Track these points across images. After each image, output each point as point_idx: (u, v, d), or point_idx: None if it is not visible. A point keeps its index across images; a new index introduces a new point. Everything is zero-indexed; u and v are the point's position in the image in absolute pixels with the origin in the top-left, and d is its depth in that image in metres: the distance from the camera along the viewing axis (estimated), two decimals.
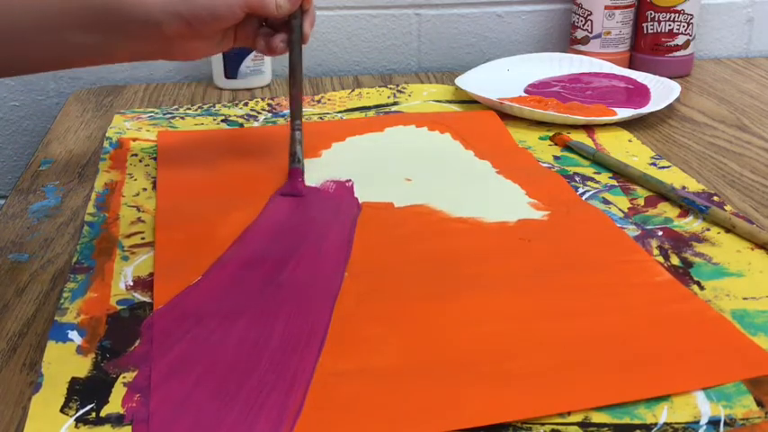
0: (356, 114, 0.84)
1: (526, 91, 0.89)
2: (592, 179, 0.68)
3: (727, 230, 0.58)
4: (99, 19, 0.54)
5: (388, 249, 0.56)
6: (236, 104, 0.87)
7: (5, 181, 1.01)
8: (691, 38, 0.97)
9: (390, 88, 0.91)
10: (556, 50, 1.04)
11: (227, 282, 0.52)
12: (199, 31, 0.57)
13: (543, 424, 0.39)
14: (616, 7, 0.95)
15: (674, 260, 0.55)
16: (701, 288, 0.51)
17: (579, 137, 0.76)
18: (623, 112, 0.80)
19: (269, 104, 0.87)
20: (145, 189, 0.66)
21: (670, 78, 0.89)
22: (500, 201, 0.63)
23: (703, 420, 0.40)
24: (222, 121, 0.82)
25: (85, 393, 0.41)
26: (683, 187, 0.65)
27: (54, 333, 0.46)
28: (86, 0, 0.54)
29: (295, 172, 0.65)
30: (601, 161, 0.70)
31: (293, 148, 0.66)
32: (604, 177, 0.68)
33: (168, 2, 0.55)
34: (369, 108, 0.86)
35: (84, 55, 0.57)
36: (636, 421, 0.40)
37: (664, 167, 0.70)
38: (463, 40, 1.04)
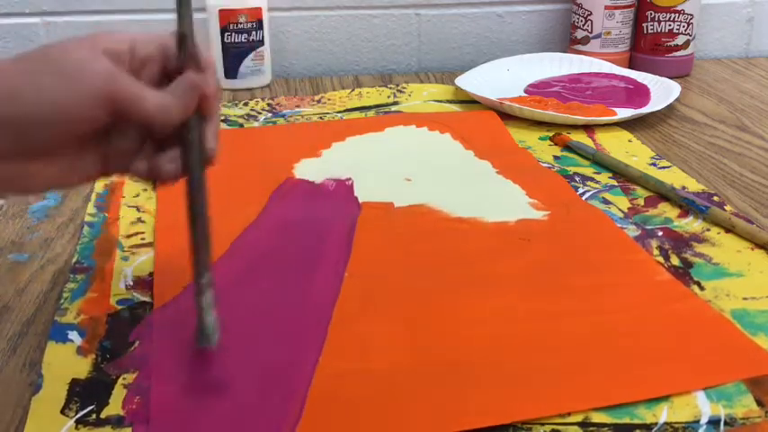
0: (356, 114, 0.84)
1: (526, 91, 0.89)
2: (592, 179, 0.68)
3: (727, 230, 0.58)
4: None
5: (387, 249, 0.56)
6: (236, 104, 0.87)
7: None
8: (691, 38, 0.97)
9: (390, 88, 0.91)
10: (556, 50, 1.04)
11: (227, 282, 0.51)
12: (34, 144, 0.38)
13: (543, 424, 0.39)
14: (616, 7, 0.95)
15: (674, 260, 0.55)
16: (701, 288, 0.51)
17: (579, 137, 0.76)
18: (623, 112, 0.80)
19: (269, 104, 0.87)
20: (145, 190, 0.66)
21: (670, 78, 0.89)
22: (500, 201, 0.63)
23: (703, 420, 0.40)
24: (222, 121, 0.82)
25: (86, 395, 0.41)
26: (683, 187, 0.65)
27: (54, 333, 0.46)
28: None
29: (203, 354, 0.43)
30: (601, 161, 0.70)
31: (202, 321, 0.42)
32: (604, 177, 0.68)
33: None
34: (369, 108, 0.86)
35: None
36: (636, 421, 0.40)
37: (664, 167, 0.70)
38: (463, 40, 1.04)
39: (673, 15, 0.96)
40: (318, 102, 0.87)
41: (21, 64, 0.38)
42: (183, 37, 0.42)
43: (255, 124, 0.81)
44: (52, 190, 0.42)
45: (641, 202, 0.64)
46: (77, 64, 0.38)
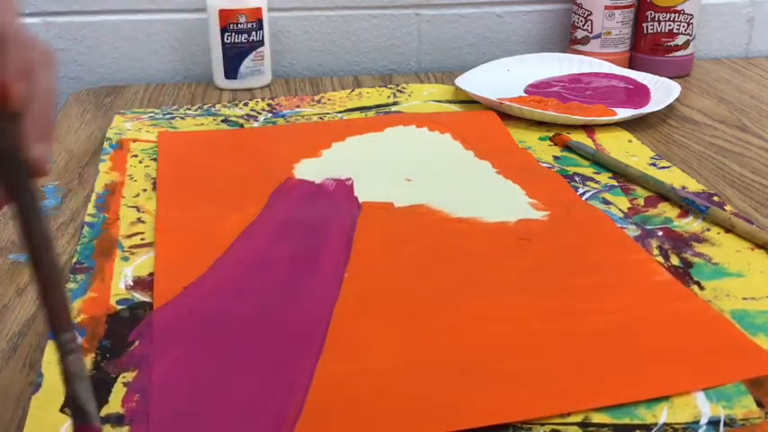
0: (356, 114, 0.84)
1: (526, 91, 0.89)
2: (592, 179, 0.68)
3: (727, 230, 0.58)
4: None
5: (387, 249, 0.56)
6: (236, 104, 0.86)
7: None
8: (691, 38, 0.97)
9: (390, 88, 0.91)
10: (556, 50, 1.04)
11: (227, 282, 0.52)
12: None
13: (543, 424, 0.39)
14: (616, 7, 0.95)
15: (674, 260, 0.55)
16: (701, 288, 0.51)
17: (579, 137, 0.76)
18: (623, 113, 0.80)
19: (269, 104, 0.87)
20: (145, 190, 0.66)
21: (670, 78, 0.89)
22: (500, 201, 0.63)
23: (703, 420, 0.40)
24: (222, 121, 0.82)
25: None
26: (683, 187, 0.65)
27: None
28: None
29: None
30: (601, 161, 0.70)
31: (73, 390, 0.32)
32: (604, 177, 0.68)
33: None
34: (369, 108, 0.86)
35: None
36: (636, 421, 0.40)
37: (664, 167, 0.70)
38: (463, 40, 1.04)
39: (673, 15, 0.96)
40: (318, 102, 0.87)
41: None
42: None
43: (255, 124, 0.81)
44: None
45: (641, 202, 0.64)
46: None
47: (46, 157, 0.32)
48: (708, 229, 0.59)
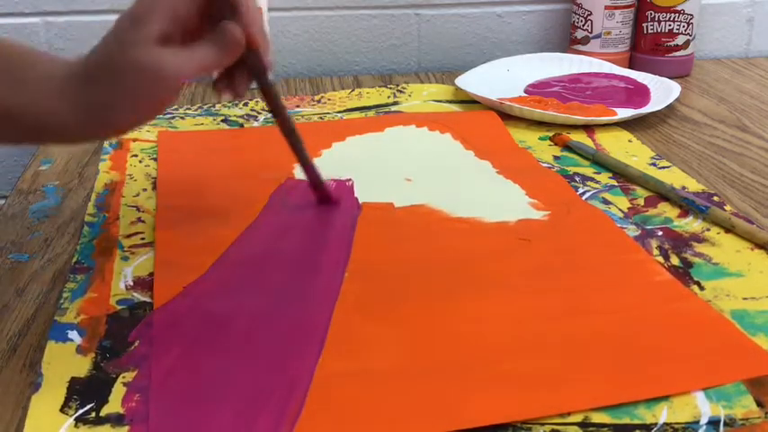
0: (356, 114, 0.84)
1: (526, 91, 0.89)
2: (592, 179, 0.68)
3: (727, 230, 0.58)
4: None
5: (388, 249, 0.56)
6: (236, 104, 0.86)
7: (5, 181, 1.01)
8: (691, 38, 0.97)
9: (390, 88, 0.91)
10: (556, 50, 1.04)
11: (227, 282, 0.52)
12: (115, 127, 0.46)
13: (543, 424, 0.39)
14: (616, 7, 0.95)
15: (674, 260, 0.55)
16: (701, 288, 0.51)
17: (579, 137, 0.76)
18: (623, 112, 0.80)
19: None
20: (145, 189, 0.66)
21: (670, 78, 0.89)
22: (500, 201, 0.63)
23: (703, 420, 0.40)
24: (222, 121, 0.82)
25: (85, 393, 0.41)
26: (683, 187, 0.65)
27: (54, 333, 0.46)
28: None
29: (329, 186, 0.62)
30: (601, 161, 0.70)
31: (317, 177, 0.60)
32: (604, 177, 0.68)
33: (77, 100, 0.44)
34: (369, 108, 0.86)
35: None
36: (636, 421, 0.40)
37: (664, 167, 0.70)
38: (463, 40, 1.04)
39: (673, 15, 0.96)
40: (318, 102, 0.87)
41: (102, 63, 0.45)
42: None
43: (255, 124, 0.81)
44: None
45: (641, 202, 0.64)
46: (140, 74, 0.44)
47: (270, 61, 0.52)
48: (708, 229, 0.59)
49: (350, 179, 0.67)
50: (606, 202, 0.63)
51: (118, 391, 0.42)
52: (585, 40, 0.98)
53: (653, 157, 0.72)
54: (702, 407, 0.41)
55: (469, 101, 0.87)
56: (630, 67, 0.98)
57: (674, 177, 0.67)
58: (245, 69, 0.51)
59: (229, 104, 0.86)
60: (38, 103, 0.43)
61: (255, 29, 0.49)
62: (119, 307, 0.49)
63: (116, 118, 0.44)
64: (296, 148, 0.58)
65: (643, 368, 0.43)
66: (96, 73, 0.44)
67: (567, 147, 0.74)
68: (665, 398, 0.41)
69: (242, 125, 0.81)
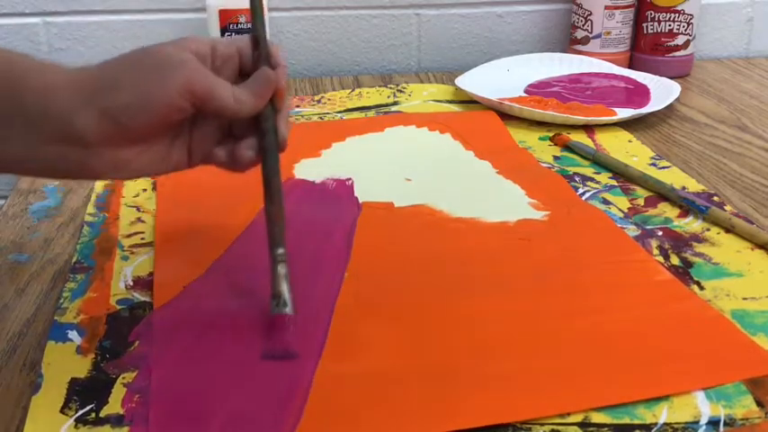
0: (356, 114, 0.84)
1: (526, 91, 0.89)
2: (592, 179, 0.68)
3: (727, 230, 0.58)
4: None
5: (387, 249, 0.56)
6: None
7: (5, 181, 1.01)
8: (691, 38, 0.97)
9: (390, 88, 0.91)
10: (556, 50, 1.04)
11: (227, 282, 0.52)
12: (128, 130, 0.41)
13: (543, 424, 0.39)
14: (616, 7, 0.95)
15: (674, 260, 0.55)
16: (701, 288, 0.51)
17: (579, 137, 0.76)
18: (623, 112, 0.80)
19: None
20: (145, 189, 0.66)
21: (670, 78, 0.89)
22: (500, 201, 0.63)
23: (703, 420, 0.40)
24: None
25: (85, 394, 0.41)
26: (683, 187, 0.65)
27: (54, 333, 0.46)
28: None
29: (281, 320, 0.46)
30: (601, 161, 0.70)
31: (277, 288, 0.46)
32: (604, 177, 0.68)
33: (81, 88, 0.41)
34: (369, 108, 0.86)
35: None
36: (636, 421, 0.40)
37: (664, 167, 0.70)
38: (463, 40, 1.04)
39: (673, 15, 0.96)
40: (318, 102, 0.87)
41: (123, 59, 0.43)
42: (258, 38, 0.48)
43: None
44: (143, 176, 0.46)
45: (641, 202, 0.64)
46: (167, 59, 0.43)
47: (287, 137, 0.48)
48: (708, 229, 0.59)
49: (350, 179, 0.67)
50: (606, 202, 0.63)
51: (118, 391, 0.42)
52: (585, 40, 0.98)
53: (653, 157, 0.72)
54: (702, 407, 0.41)
55: (469, 101, 0.87)
56: (630, 67, 0.98)
57: (673, 177, 0.67)
58: (254, 138, 0.47)
59: None
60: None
61: (283, 86, 0.47)
62: (119, 307, 0.49)
63: (128, 114, 0.41)
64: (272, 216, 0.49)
65: (643, 368, 0.43)
66: (115, 70, 0.42)
67: (567, 147, 0.74)
68: (665, 398, 0.41)
69: None
